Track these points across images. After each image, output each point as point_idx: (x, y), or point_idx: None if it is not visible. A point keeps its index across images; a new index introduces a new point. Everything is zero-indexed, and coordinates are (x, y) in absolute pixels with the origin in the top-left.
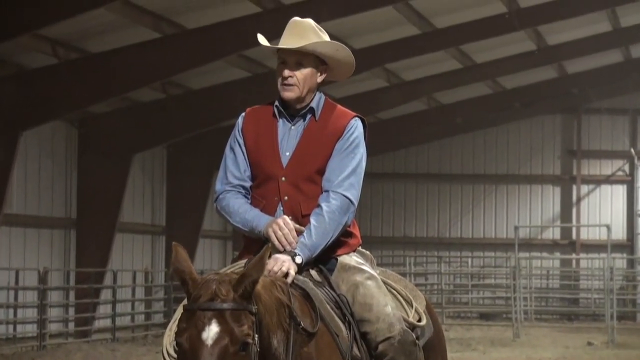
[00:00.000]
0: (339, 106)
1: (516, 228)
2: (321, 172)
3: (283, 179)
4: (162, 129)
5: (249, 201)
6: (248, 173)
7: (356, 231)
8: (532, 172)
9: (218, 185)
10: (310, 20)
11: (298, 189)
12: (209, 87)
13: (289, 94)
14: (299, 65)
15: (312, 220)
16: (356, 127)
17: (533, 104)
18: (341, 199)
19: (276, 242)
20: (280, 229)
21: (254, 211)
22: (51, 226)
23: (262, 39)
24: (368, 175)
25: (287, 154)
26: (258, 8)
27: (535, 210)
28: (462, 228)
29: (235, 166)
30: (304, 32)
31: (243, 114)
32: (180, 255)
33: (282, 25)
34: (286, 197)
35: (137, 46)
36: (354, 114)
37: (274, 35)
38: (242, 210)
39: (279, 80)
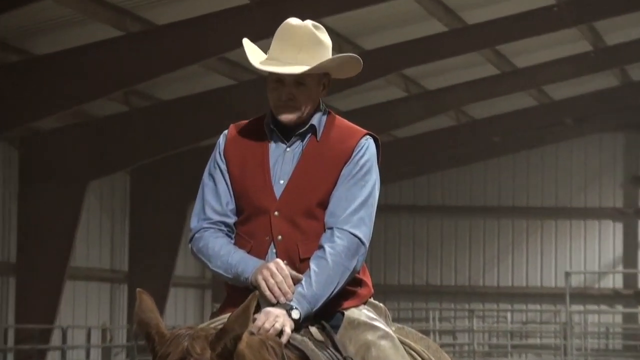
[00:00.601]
0: (345, 121)
1: (567, 274)
2: (324, 204)
3: (276, 213)
4: (124, 150)
5: (233, 241)
6: (232, 206)
7: (367, 278)
8: (587, 204)
9: (194, 222)
10: (308, 24)
11: (295, 225)
12: (182, 97)
13: (288, 117)
14: (298, 85)
15: (313, 265)
16: (367, 149)
17: (588, 119)
18: (349, 239)
19: (267, 293)
20: (273, 275)
21: (239, 253)
22: None
23: (251, 53)
24: (382, 207)
25: (281, 182)
26: (244, 0)
27: (592, 253)
28: (500, 274)
29: (215, 198)
30: (303, 43)
31: (225, 132)
32: (145, 304)
33: (273, 23)
34: (280, 237)
35: (93, 47)
36: (365, 131)
37: (264, 34)
38: (224, 253)
39: (274, 99)
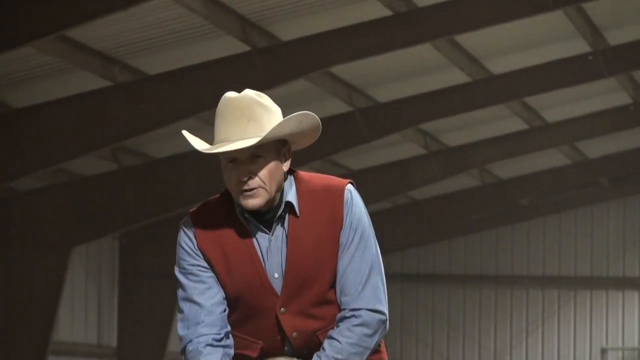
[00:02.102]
0: (314, 179)
1: (603, 351)
2: (332, 284)
3: (282, 310)
4: (112, 213)
5: (225, 353)
6: (222, 310)
7: (383, 351)
8: (625, 273)
9: (183, 330)
10: (248, 93)
11: (309, 317)
12: (177, 155)
13: (254, 202)
14: (255, 159)
15: (327, 347)
16: (354, 204)
17: (626, 179)
18: (368, 317)
19: None
20: None
21: None
22: None
23: (196, 142)
24: (398, 276)
25: (276, 275)
26: (246, 46)
27: (630, 326)
28: (529, 350)
29: (204, 313)
30: (249, 112)
31: (187, 223)
32: None
33: (276, 71)
34: (295, 334)
35: (78, 98)
36: (341, 184)
37: (266, 84)
38: None
39: (233, 185)
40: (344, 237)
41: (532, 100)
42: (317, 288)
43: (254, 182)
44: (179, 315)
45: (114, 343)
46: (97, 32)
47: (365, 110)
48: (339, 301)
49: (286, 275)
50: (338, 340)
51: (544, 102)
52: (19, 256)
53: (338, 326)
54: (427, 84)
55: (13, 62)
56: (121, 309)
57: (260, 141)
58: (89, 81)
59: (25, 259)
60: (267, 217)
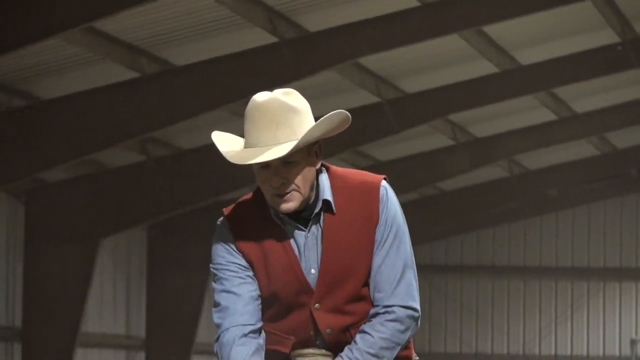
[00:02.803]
0: (348, 174)
1: (633, 342)
2: (366, 281)
3: (317, 306)
4: (141, 204)
5: (262, 351)
6: (258, 305)
7: (411, 347)
8: None
9: (220, 319)
10: (276, 96)
11: (343, 313)
12: (205, 146)
13: (288, 206)
14: (288, 164)
15: (359, 341)
16: (389, 200)
17: None
18: (401, 313)
19: None
20: None
21: None
22: None
23: (224, 145)
24: (427, 268)
25: (313, 271)
26: (273, 37)
27: None
28: (558, 341)
29: (242, 304)
30: (279, 118)
31: (223, 223)
32: None
33: (305, 62)
34: (329, 330)
35: (106, 90)
36: (377, 180)
37: (294, 75)
38: None
39: (266, 189)
40: (379, 234)
41: (561, 91)
42: (351, 284)
43: (288, 187)
44: (215, 308)
45: (142, 334)
46: (125, 24)
47: (393, 101)
48: (372, 297)
49: (321, 271)
50: (370, 335)
51: (572, 93)
52: (47, 248)
53: (371, 321)
54: (455, 74)
55: (41, 54)
56: (149, 300)
57: (291, 151)
58: (117, 72)
59: (54, 251)
60: (303, 215)
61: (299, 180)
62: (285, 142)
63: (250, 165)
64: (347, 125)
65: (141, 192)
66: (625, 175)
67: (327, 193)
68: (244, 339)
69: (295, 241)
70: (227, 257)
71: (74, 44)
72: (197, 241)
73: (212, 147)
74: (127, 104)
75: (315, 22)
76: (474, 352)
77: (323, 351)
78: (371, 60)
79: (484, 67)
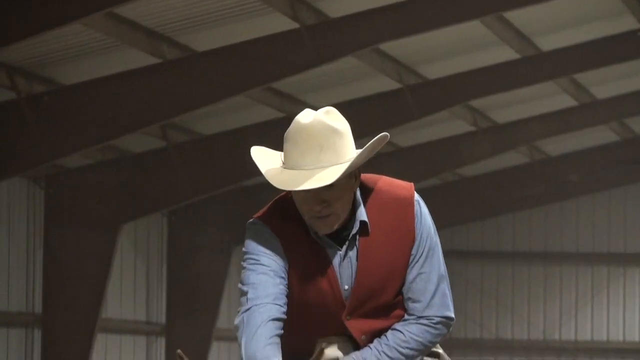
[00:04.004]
0: (379, 187)
1: None
2: (399, 293)
3: (348, 317)
4: (161, 190)
5: (281, 334)
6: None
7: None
8: None
9: (250, 292)
10: (320, 118)
11: (375, 319)
12: (225, 131)
13: (326, 229)
14: (329, 188)
15: (390, 336)
16: (422, 214)
17: None
18: (437, 322)
19: None
20: None
21: (270, 350)
22: (5, 323)
23: (264, 163)
24: (447, 253)
25: (346, 287)
26: (294, 23)
27: None
28: (578, 327)
29: (278, 292)
30: (323, 142)
31: (260, 224)
32: None
33: (325, 48)
34: (364, 337)
35: (126, 75)
36: (410, 196)
37: (315, 61)
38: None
39: (305, 211)
40: (414, 250)
41: (581, 77)
42: (383, 298)
43: (327, 210)
44: (247, 285)
45: (162, 320)
46: (145, 9)
47: (414, 87)
48: (407, 307)
49: (355, 287)
50: (402, 333)
51: (592, 79)
52: (68, 233)
53: (405, 321)
54: (476, 60)
55: (62, 39)
56: (170, 285)
57: (338, 179)
58: (137, 58)
59: (74, 236)
60: (341, 235)
61: (338, 203)
62: (330, 167)
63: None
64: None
65: (161, 178)
66: None
67: (362, 213)
68: (274, 322)
69: (332, 258)
70: (272, 257)
71: (95, 29)
72: (217, 227)
73: (233, 133)
74: (147, 90)
75: (337, 8)
76: (495, 337)
77: (346, 337)
78: (392, 47)
79: (505, 53)
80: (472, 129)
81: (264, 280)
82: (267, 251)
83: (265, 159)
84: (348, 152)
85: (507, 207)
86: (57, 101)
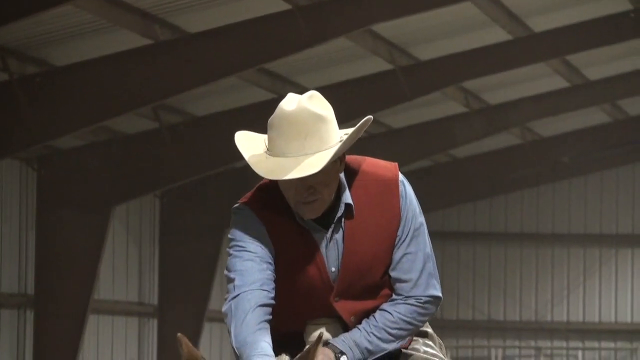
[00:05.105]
0: (362, 168)
1: None
2: (387, 273)
3: (336, 299)
4: (154, 171)
5: (269, 320)
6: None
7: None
8: None
9: (240, 281)
10: (304, 105)
11: (363, 300)
12: (218, 113)
13: (312, 214)
14: (314, 174)
15: (378, 317)
16: (407, 194)
17: None
18: (423, 301)
19: None
20: None
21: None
22: None
23: (247, 150)
24: (439, 235)
25: (333, 269)
26: (287, 4)
27: None
28: (570, 309)
29: (264, 277)
30: (307, 129)
31: (245, 209)
32: (192, 353)
33: (318, 30)
34: (353, 318)
35: (119, 57)
36: (394, 176)
37: (308, 42)
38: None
39: (291, 196)
40: (400, 231)
41: (573, 58)
42: (370, 279)
43: (313, 195)
44: (234, 272)
45: (154, 301)
46: None
47: (406, 68)
48: (394, 287)
49: (342, 269)
50: (390, 313)
51: (585, 60)
52: (60, 215)
53: (393, 301)
54: (468, 41)
55: (54, 21)
56: (162, 267)
57: (324, 167)
58: (129, 39)
59: (67, 217)
60: (326, 219)
61: (324, 188)
62: (315, 153)
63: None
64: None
65: (154, 159)
66: (638, 142)
67: (347, 196)
68: (262, 308)
69: (318, 241)
70: (253, 238)
71: (87, 10)
72: (209, 208)
73: (225, 114)
74: (140, 71)
75: None
76: (487, 318)
77: (335, 318)
78: (384, 28)
79: (497, 35)
80: (465, 110)
81: (250, 267)
82: (253, 237)
83: (249, 144)
84: (333, 137)
85: (499, 189)
86: (49, 82)
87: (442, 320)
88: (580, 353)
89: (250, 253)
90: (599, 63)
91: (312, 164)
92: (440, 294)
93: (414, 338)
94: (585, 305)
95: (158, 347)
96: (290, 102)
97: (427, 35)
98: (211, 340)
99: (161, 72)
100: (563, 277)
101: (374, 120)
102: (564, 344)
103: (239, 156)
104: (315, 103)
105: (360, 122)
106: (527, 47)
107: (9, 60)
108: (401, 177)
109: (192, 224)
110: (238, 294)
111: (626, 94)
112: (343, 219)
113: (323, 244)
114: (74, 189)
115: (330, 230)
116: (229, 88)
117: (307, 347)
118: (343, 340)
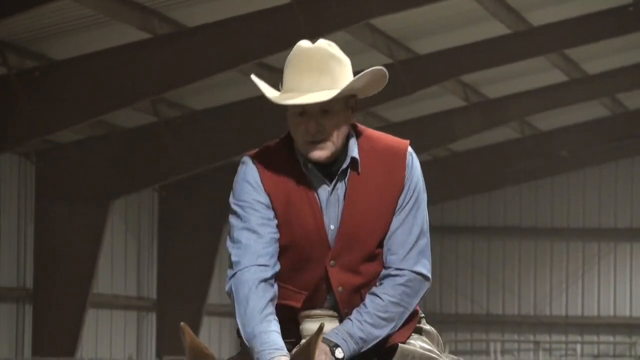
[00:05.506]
0: (376, 137)
1: None
2: (382, 243)
3: (332, 263)
4: (152, 166)
5: (275, 299)
6: (277, 248)
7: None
8: None
9: (238, 257)
10: (322, 45)
11: (356, 273)
12: (216, 107)
13: (320, 154)
14: (325, 113)
15: (368, 302)
16: (414, 167)
17: None
18: (411, 277)
19: None
20: None
21: (269, 326)
22: None
23: (266, 88)
24: (438, 229)
25: (332, 227)
26: None
27: None
28: (569, 303)
29: (263, 244)
30: (323, 64)
31: (247, 161)
32: (195, 342)
33: (317, 24)
34: (340, 288)
35: (118, 51)
36: (404, 147)
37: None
38: (257, 318)
39: (300, 136)
40: (400, 199)
41: (572, 52)
42: (368, 244)
43: (322, 135)
44: (233, 244)
45: (153, 295)
46: None
47: (405, 62)
48: (384, 259)
49: (341, 228)
50: (380, 298)
51: (583, 54)
52: (59, 209)
53: (381, 284)
54: (467, 36)
55: (54, 15)
56: (160, 261)
57: (335, 96)
58: (128, 33)
59: (65, 211)
60: (330, 170)
61: (333, 129)
62: (326, 90)
63: (287, 116)
64: (384, 85)
65: (152, 153)
66: (637, 136)
67: (354, 150)
68: (262, 284)
69: (319, 195)
70: (252, 195)
71: (86, 4)
72: (207, 202)
73: (224, 108)
74: (138, 65)
75: None
76: (485, 312)
77: (330, 312)
78: (383, 22)
79: (496, 29)
80: (463, 104)
81: (247, 238)
82: (252, 198)
83: (265, 86)
84: (346, 80)
85: (498, 183)
86: (48, 76)
87: (440, 314)
88: (579, 347)
89: (248, 220)
90: (598, 57)
91: (323, 95)
92: (428, 274)
93: (412, 334)
94: (584, 299)
95: (157, 340)
96: (308, 42)
97: (426, 29)
98: (210, 334)
99: (160, 66)
100: (562, 271)
101: (373, 114)
102: (563, 337)
103: (237, 150)
104: (333, 47)
105: (373, 68)
106: (526, 41)
107: (7, 54)
108: (410, 150)
109: (191, 218)
110: (235, 273)
111: (625, 87)
112: (348, 173)
113: (324, 197)
114: (73, 183)
115: (333, 182)
116: (228, 82)
117: (307, 339)
118: (336, 333)
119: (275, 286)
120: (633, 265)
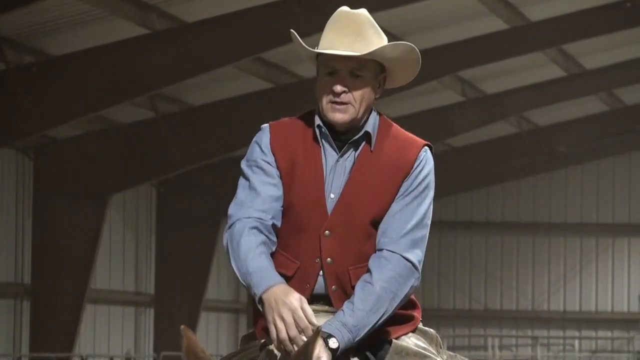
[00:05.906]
0: (400, 129)
1: None
2: (378, 223)
3: (326, 232)
4: (150, 161)
5: (270, 247)
6: (278, 206)
7: (417, 302)
8: None
9: (235, 209)
10: (364, 12)
11: (347, 248)
12: (214, 102)
13: (341, 116)
14: (354, 77)
15: (358, 290)
16: (427, 161)
17: None
18: (401, 263)
19: (275, 344)
20: (288, 327)
21: (261, 261)
22: None
23: (298, 40)
24: (436, 224)
25: (332, 196)
26: None
27: None
28: (567, 298)
29: (259, 201)
30: (361, 29)
31: (265, 126)
32: (191, 346)
33: (315, 20)
34: (329, 259)
35: (116, 46)
36: (423, 141)
37: (305, 32)
38: (250, 256)
39: (325, 96)
40: (405, 185)
41: (570, 48)
42: (364, 220)
43: (347, 97)
44: (233, 201)
45: (151, 290)
46: None
47: None
48: (377, 241)
49: (341, 199)
50: (369, 282)
51: (581, 49)
52: (57, 204)
53: (370, 269)
54: (465, 31)
55: (52, 10)
56: (158, 256)
57: (368, 55)
58: (127, 29)
59: (63, 207)
60: (343, 137)
61: (359, 95)
62: (360, 53)
63: (316, 77)
64: (414, 74)
65: (150, 149)
66: (634, 131)
67: (370, 126)
68: (255, 230)
69: (326, 162)
70: (260, 155)
71: (84, 0)
72: (205, 198)
73: (222, 103)
74: (136, 61)
75: None
76: (483, 308)
77: (326, 308)
78: (381, 17)
79: (494, 24)
80: (461, 99)
81: (245, 195)
82: (258, 158)
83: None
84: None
85: (495, 178)
86: (46, 72)
87: (439, 309)
88: (576, 342)
89: (251, 176)
90: (596, 52)
91: (358, 52)
92: (418, 265)
93: (407, 333)
94: (581, 295)
95: (155, 336)
96: (348, 8)
97: (424, 25)
98: (207, 330)
99: (158, 61)
100: (560, 266)
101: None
102: (561, 333)
103: (236, 145)
104: (373, 19)
105: (409, 43)
106: (524, 37)
107: (5, 49)
108: (428, 148)
109: (189, 213)
110: (230, 225)
111: (623, 82)
112: (360, 147)
113: (330, 163)
114: (71, 178)
115: (342, 151)
116: (226, 77)
117: (305, 341)
118: (330, 324)
119: (274, 237)
120: (631, 261)
